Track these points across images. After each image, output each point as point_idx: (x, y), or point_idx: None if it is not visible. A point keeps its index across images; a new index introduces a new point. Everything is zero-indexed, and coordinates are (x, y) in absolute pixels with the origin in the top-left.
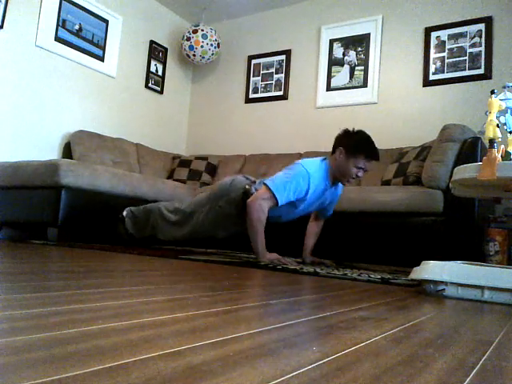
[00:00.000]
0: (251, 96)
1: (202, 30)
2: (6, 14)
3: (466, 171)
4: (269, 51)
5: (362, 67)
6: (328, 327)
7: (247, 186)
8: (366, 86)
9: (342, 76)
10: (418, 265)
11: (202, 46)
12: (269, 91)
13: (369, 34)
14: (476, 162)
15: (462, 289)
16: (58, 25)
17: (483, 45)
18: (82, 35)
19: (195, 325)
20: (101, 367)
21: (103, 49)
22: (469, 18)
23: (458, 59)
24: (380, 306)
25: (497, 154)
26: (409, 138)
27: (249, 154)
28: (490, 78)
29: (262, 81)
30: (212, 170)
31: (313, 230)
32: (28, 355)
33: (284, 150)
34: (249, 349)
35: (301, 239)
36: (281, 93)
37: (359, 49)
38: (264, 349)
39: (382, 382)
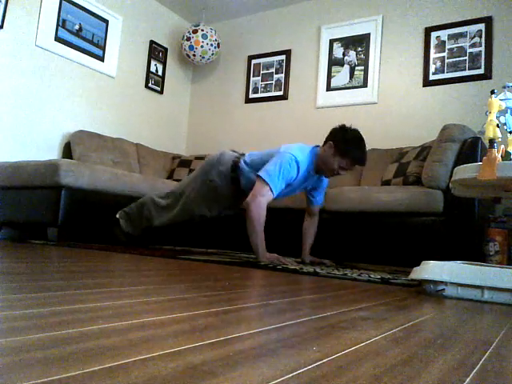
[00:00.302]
0: (251, 96)
1: (202, 30)
2: (6, 14)
3: (466, 171)
4: (269, 51)
5: (362, 67)
6: (328, 327)
7: (235, 159)
8: (366, 86)
9: (341, 76)
10: (418, 265)
11: (202, 46)
12: (269, 91)
13: (369, 34)
14: (476, 162)
15: (461, 289)
16: (57, 25)
17: (483, 45)
18: (82, 35)
19: (195, 325)
20: (101, 367)
21: (103, 49)
22: (469, 18)
23: (458, 59)
24: (380, 306)
25: (497, 154)
26: (409, 138)
27: None
28: (490, 78)
29: (262, 81)
30: None
31: (309, 228)
32: (28, 355)
33: None
34: (249, 349)
35: (300, 239)
36: (281, 93)
37: (359, 49)
38: (264, 349)
39: (382, 382)
